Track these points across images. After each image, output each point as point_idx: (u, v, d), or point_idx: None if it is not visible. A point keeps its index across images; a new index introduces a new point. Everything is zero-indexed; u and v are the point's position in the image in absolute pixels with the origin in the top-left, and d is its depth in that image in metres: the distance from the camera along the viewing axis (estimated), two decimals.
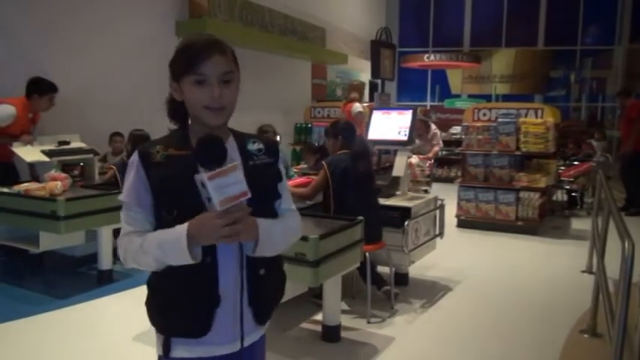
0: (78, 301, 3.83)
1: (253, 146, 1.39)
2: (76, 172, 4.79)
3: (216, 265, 1.29)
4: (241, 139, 1.40)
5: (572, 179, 7.36)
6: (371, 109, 4.82)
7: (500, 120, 6.21)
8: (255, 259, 1.32)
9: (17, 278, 4.35)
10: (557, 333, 3.37)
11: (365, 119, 6.75)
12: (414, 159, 4.79)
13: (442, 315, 3.72)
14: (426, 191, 4.86)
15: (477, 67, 14.40)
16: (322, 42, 10.40)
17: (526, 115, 6.23)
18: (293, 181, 4.12)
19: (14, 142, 4.51)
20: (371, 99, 11.24)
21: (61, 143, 4.79)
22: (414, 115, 4.37)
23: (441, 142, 7.80)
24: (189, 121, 1.38)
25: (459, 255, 5.20)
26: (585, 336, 3.30)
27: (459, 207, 6.44)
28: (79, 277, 4.48)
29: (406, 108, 4.64)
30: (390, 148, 4.75)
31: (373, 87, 12.18)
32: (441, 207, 4.44)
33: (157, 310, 1.36)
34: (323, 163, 3.71)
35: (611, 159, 9.21)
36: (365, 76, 12.19)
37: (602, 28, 13.87)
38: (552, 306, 3.92)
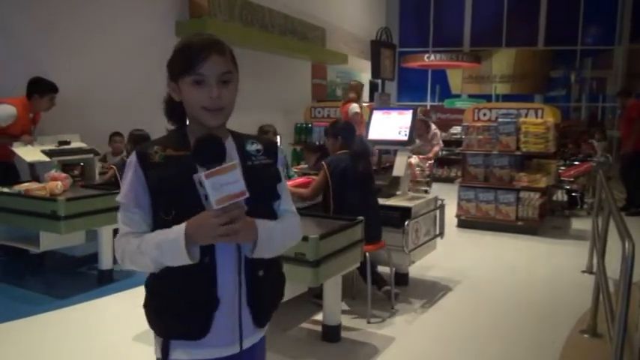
0: (78, 301, 3.83)
1: (252, 147, 1.38)
2: (76, 172, 4.79)
3: (215, 265, 1.28)
4: (240, 139, 1.39)
5: (572, 179, 7.36)
6: (371, 109, 4.82)
7: (500, 120, 6.21)
8: (254, 260, 1.31)
9: (17, 278, 4.35)
10: (558, 333, 3.37)
11: (364, 119, 6.76)
12: (414, 159, 4.78)
13: (442, 315, 3.72)
14: (426, 191, 4.86)
15: (477, 67, 14.41)
16: (322, 42, 10.40)
17: (526, 115, 6.23)
18: (293, 181, 4.12)
19: (14, 142, 4.51)
20: (371, 99, 11.25)
21: (61, 143, 4.79)
22: (414, 115, 4.37)
23: (441, 142, 7.80)
24: (188, 122, 1.37)
25: (459, 255, 5.20)
26: (585, 336, 3.30)
27: (459, 207, 6.44)
28: (79, 277, 4.48)
29: (406, 108, 4.64)
30: (390, 148, 4.75)
31: (373, 87, 12.18)
32: (441, 207, 4.44)
33: (155, 312, 1.35)
34: (323, 163, 3.71)
35: (612, 159, 9.21)
36: (365, 76, 12.19)
37: (602, 28, 13.87)
38: (552, 306, 3.92)
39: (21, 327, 3.38)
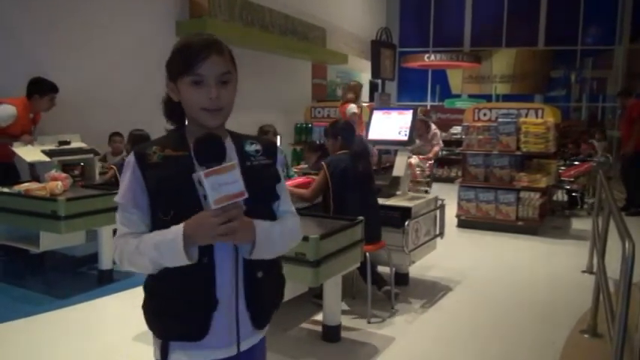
0: (78, 301, 3.83)
1: (251, 147, 1.38)
2: (76, 172, 4.79)
3: (214, 265, 1.28)
4: (238, 140, 1.38)
5: (572, 179, 7.36)
6: (371, 109, 4.82)
7: (500, 120, 6.21)
8: (253, 261, 1.30)
9: (18, 278, 4.35)
10: (558, 333, 3.36)
11: (362, 120, 6.76)
12: (414, 159, 4.78)
13: (442, 315, 3.72)
14: (426, 192, 4.86)
15: (477, 67, 14.41)
16: (322, 42, 10.40)
17: (526, 115, 6.23)
18: (293, 181, 4.11)
19: (15, 142, 4.51)
20: (371, 99, 11.25)
21: (61, 143, 4.79)
22: (415, 115, 4.37)
23: (441, 142, 7.79)
24: (187, 122, 1.37)
25: (459, 255, 5.20)
26: (586, 336, 3.29)
27: (460, 207, 6.44)
28: (79, 277, 4.48)
29: (406, 108, 4.64)
30: (391, 148, 4.75)
31: (373, 87, 12.18)
32: (442, 207, 4.44)
33: (154, 313, 1.34)
34: (322, 163, 3.71)
35: (612, 159, 9.21)
36: (365, 76, 12.19)
37: (602, 28, 13.87)
38: (553, 306, 3.91)
39: (21, 327, 3.38)
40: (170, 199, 1.26)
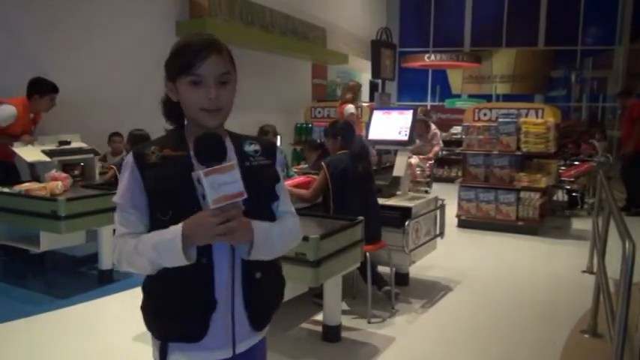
0: (78, 301, 3.83)
1: (250, 147, 1.37)
2: (76, 172, 4.79)
3: (212, 266, 1.27)
4: (237, 140, 1.37)
5: (572, 179, 7.36)
6: (371, 109, 4.82)
7: (500, 120, 6.21)
8: (251, 261, 1.29)
9: (18, 278, 4.35)
10: (558, 333, 3.36)
11: (360, 120, 6.76)
12: (414, 159, 4.78)
13: (443, 315, 3.72)
14: (426, 192, 4.86)
15: (477, 67, 14.40)
16: (323, 42, 10.40)
17: (527, 115, 6.23)
18: (292, 180, 4.11)
19: (15, 142, 4.51)
20: (371, 99, 11.24)
21: (61, 143, 4.79)
22: (415, 115, 4.37)
23: (440, 142, 7.80)
24: (186, 122, 1.36)
25: (459, 255, 5.19)
26: (586, 336, 3.29)
27: (460, 207, 6.44)
28: (79, 277, 4.48)
29: (407, 108, 4.64)
30: (391, 148, 4.74)
31: (374, 87, 12.17)
32: (442, 207, 4.44)
33: (152, 314, 1.34)
34: (322, 164, 3.71)
35: (612, 159, 9.21)
36: (365, 76, 12.18)
37: (602, 28, 13.86)
38: (553, 306, 3.91)
39: (21, 327, 3.38)
40: (169, 199, 1.26)
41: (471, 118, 6.53)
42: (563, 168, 7.64)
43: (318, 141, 6.47)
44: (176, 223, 1.20)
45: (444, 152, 9.82)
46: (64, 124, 5.14)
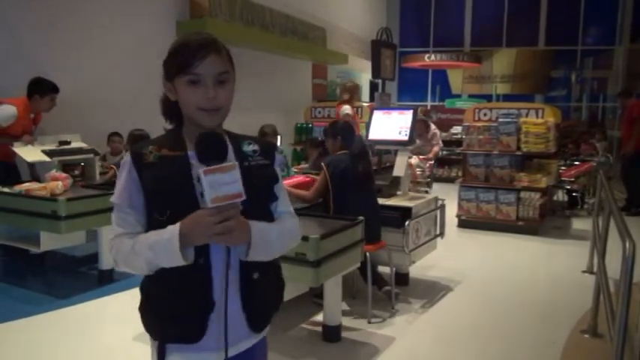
0: (78, 301, 3.83)
1: (248, 147, 1.36)
2: (76, 172, 4.79)
3: (210, 266, 1.26)
4: (236, 140, 1.36)
5: (572, 179, 7.36)
6: (371, 109, 4.82)
7: (500, 120, 6.21)
8: (248, 262, 1.28)
9: (18, 278, 4.35)
10: (558, 333, 3.36)
11: (357, 121, 6.75)
12: (414, 160, 4.78)
13: (443, 315, 3.72)
14: (426, 192, 4.86)
15: (477, 67, 14.39)
16: (323, 42, 10.40)
17: (527, 115, 6.23)
18: (291, 180, 4.11)
19: (15, 142, 4.51)
20: (371, 99, 11.24)
21: (61, 143, 4.79)
22: (415, 115, 4.37)
23: (440, 142, 7.80)
24: (184, 122, 1.35)
25: (459, 255, 5.19)
26: (586, 336, 3.29)
27: (460, 207, 6.44)
28: (79, 277, 4.48)
29: (407, 108, 4.64)
30: (391, 148, 4.74)
31: (374, 87, 12.17)
32: (442, 207, 4.44)
33: (150, 315, 1.33)
34: (322, 164, 3.71)
35: (612, 159, 9.21)
36: (365, 76, 12.18)
37: (602, 28, 13.85)
38: (553, 306, 3.91)
39: (21, 327, 3.38)
40: (166, 199, 1.25)
41: (471, 118, 6.53)
42: (563, 168, 7.63)
43: (320, 139, 6.48)
44: (174, 223, 1.20)
45: (444, 152, 9.81)
46: (64, 124, 5.14)
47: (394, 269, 3.93)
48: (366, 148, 4.07)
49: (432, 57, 13.36)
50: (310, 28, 9.85)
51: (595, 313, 3.29)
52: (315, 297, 3.62)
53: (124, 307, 3.69)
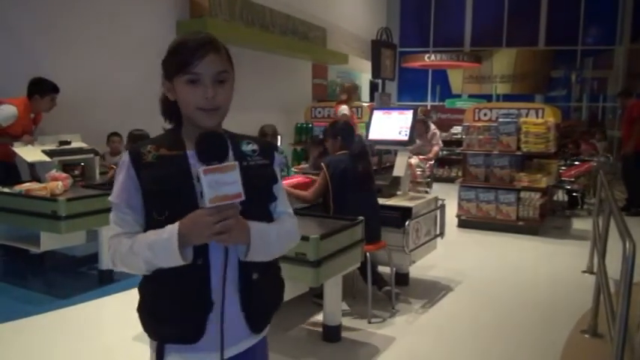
0: (79, 301, 3.83)
1: (247, 147, 1.36)
2: (76, 172, 4.79)
3: (209, 266, 1.25)
4: (235, 139, 1.36)
5: (573, 179, 7.36)
6: (371, 109, 4.82)
7: (500, 120, 6.20)
8: (247, 262, 1.28)
9: (18, 278, 4.35)
10: (558, 333, 3.36)
11: (361, 119, 6.76)
12: (414, 160, 4.78)
13: (443, 315, 3.72)
14: (426, 192, 4.86)
15: (477, 67, 14.38)
16: (323, 42, 10.40)
17: (527, 115, 6.23)
18: (290, 180, 4.11)
19: (15, 142, 4.51)
20: (371, 99, 11.24)
21: (61, 143, 4.79)
22: (415, 115, 4.37)
23: (440, 142, 7.79)
24: (184, 121, 1.35)
25: (459, 255, 5.19)
26: (586, 336, 3.29)
27: (460, 207, 6.43)
28: (79, 277, 4.48)
29: (407, 108, 4.64)
30: (391, 148, 4.74)
31: (374, 87, 12.17)
32: (442, 207, 4.44)
33: (149, 315, 1.32)
34: (322, 164, 3.71)
35: (612, 159, 9.20)
36: (365, 76, 12.19)
37: (602, 28, 13.85)
38: (553, 306, 3.91)
39: (21, 327, 3.38)
40: (165, 199, 1.24)
41: (471, 118, 6.53)
42: (563, 168, 7.63)
43: (321, 137, 6.48)
44: (172, 223, 1.19)
45: (444, 152, 9.81)
46: (64, 124, 5.13)
47: (394, 269, 3.93)
48: (366, 148, 4.08)
49: (432, 57, 13.35)
50: (310, 28, 9.85)
51: (595, 313, 3.29)
52: (315, 297, 3.62)
53: (124, 307, 3.69)
